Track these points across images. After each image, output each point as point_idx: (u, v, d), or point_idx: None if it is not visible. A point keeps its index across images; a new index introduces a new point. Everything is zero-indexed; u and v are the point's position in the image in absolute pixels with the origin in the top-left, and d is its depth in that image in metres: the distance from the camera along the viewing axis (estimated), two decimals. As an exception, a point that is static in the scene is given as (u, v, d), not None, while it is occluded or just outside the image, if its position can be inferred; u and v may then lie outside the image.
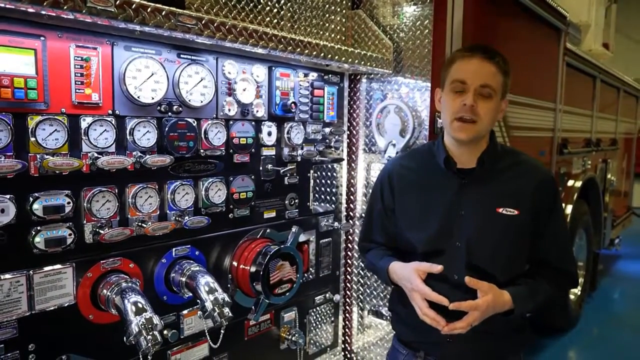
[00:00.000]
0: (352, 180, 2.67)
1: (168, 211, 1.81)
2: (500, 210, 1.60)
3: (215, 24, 1.67)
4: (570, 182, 4.23)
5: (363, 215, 2.61)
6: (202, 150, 1.89)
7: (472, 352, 1.66)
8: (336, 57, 2.16)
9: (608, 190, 5.46)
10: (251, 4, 2.00)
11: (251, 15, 2.01)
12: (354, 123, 2.65)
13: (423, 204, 1.70)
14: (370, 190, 2.53)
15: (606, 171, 5.40)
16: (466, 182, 1.65)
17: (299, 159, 2.29)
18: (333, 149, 2.48)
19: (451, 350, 1.67)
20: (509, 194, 1.61)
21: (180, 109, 1.79)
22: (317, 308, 2.55)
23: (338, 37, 2.47)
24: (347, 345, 2.77)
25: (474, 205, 1.63)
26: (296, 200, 2.33)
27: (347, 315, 2.76)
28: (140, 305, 1.53)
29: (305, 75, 2.30)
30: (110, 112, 1.61)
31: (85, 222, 1.58)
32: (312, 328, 2.53)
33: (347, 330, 2.77)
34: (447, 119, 1.61)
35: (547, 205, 1.64)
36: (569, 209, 4.09)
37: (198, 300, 1.76)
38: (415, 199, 1.73)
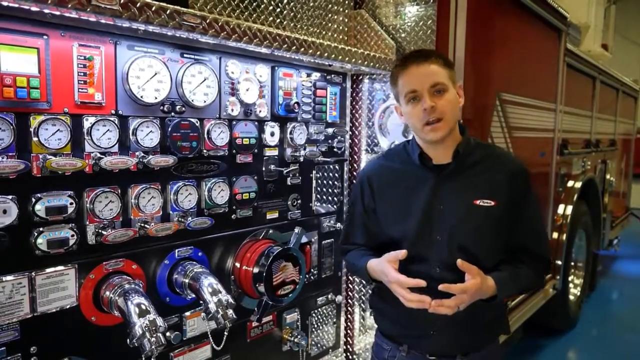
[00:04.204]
0: (354, 181, 2.66)
1: (171, 212, 1.79)
2: (478, 202, 1.64)
3: (219, 23, 1.66)
4: (570, 183, 4.23)
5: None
6: (205, 151, 1.88)
7: (453, 343, 1.71)
8: (339, 57, 2.15)
9: (607, 191, 5.47)
10: (254, 4, 1.99)
11: (254, 15, 1.99)
12: (357, 123, 2.64)
13: (403, 202, 1.74)
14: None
15: (605, 172, 5.41)
16: (442, 176, 1.69)
17: (301, 159, 2.28)
18: (335, 150, 2.47)
19: (434, 342, 1.71)
20: (485, 186, 1.66)
21: (183, 108, 1.78)
22: (319, 309, 2.54)
23: (340, 37, 2.45)
24: (348, 346, 2.76)
25: (452, 198, 1.67)
26: (298, 201, 2.32)
27: (349, 316, 2.75)
28: (143, 307, 1.51)
29: (308, 75, 2.29)
30: (113, 111, 1.59)
31: (87, 223, 1.56)
32: (314, 329, 2.52)
33: (349, 331, 2.76)
34: (416, 127, 1.66)
35: (521, 194, 1.69)
36: (569, 209, 4.09)
37: (201, 302, 1.74)
38: (395, 197, 1.76)
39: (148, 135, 1.67)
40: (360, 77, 2.60)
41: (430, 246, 1.66)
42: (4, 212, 1.37)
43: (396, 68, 1.70)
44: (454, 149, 1.67)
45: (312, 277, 2.45)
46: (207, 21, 1.62)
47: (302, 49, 1.98)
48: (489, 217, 1.64)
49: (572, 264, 4.68)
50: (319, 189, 2.45)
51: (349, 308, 2.75)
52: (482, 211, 1.64)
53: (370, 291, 2.66)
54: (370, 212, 1.82)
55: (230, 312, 1.71)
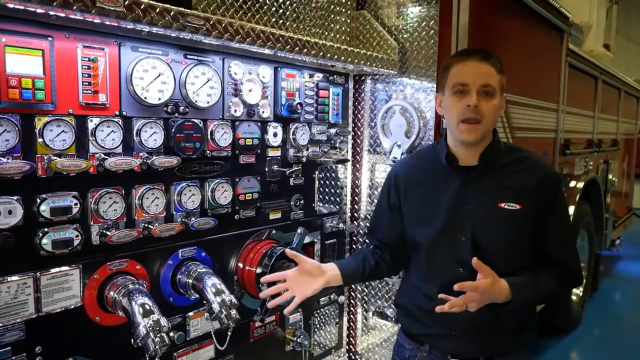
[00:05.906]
0: (356, 182, 2.67)
1: (174, 212, 1.80)
2: (502, 205, 1.63)
3: (222, 25, 1.66)
4: (572, 183, 4.23)
5: (368, 216, 2.61)
6: (208, 151, 1.88)
7: (476, 346, 1.69)
8: (342, 58, 2.16)
9: (609, 191, 5.46)
10: (257, 5, 2.00)
11: (257, 16, 2.00)
12: (359, 124, 2.64)
13: (428, 202, 1.74)
14: (376, 192, 2.56)
15: (607, 172, 5.40)
16: (469, 177, 1.68)
17: (304, 160, 2.29)
18: (338, 150, 2.47)
19: (456, 343, 1.69)
20: (511, 189, 1.65)
21: (187, 109, 1.78)
22: (322, 309, 2.54)
23: (343, 37, 2.46)
24: (351, 346, 2.76)
25: (477, 200, 1.66)
26: (301, 201, 2.32)
27: (351, 316, 2.75)
28: (147, 307, 1.52)
29: (311, 76, 2.29)
30: (117, 113, 1.60)
31: (92, 223, 1.57)
32: (316, 329, 2.52)
33: (351, 331, 2.76)
34: (452, 122, 1.64)
35: (549, 200, 1.66)
36: (571, 209, 4.09)
37: (204, 302, 1.75)
38: (420, 196, 1.77)
39: (152, 136, 1.67)
40: (363, 77, 2.61)
41: (453, 247, 1.66)
42: (10, 212, 1.38)
43: (453, 57, 1.69)
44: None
45: (314, 278, 2.45)
46: (211, 22, 1.63)
47: (305, 50, 1.98)
48: (512, 220, 1.62)
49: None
50: (321, 189, 2.46)
51: (352, 308, 2.75)
52: (506, 214, 1.62)
53: (370, 291, 2.66)
54: (394, 209, 1.84)
55: (233, 312, 1.71)
